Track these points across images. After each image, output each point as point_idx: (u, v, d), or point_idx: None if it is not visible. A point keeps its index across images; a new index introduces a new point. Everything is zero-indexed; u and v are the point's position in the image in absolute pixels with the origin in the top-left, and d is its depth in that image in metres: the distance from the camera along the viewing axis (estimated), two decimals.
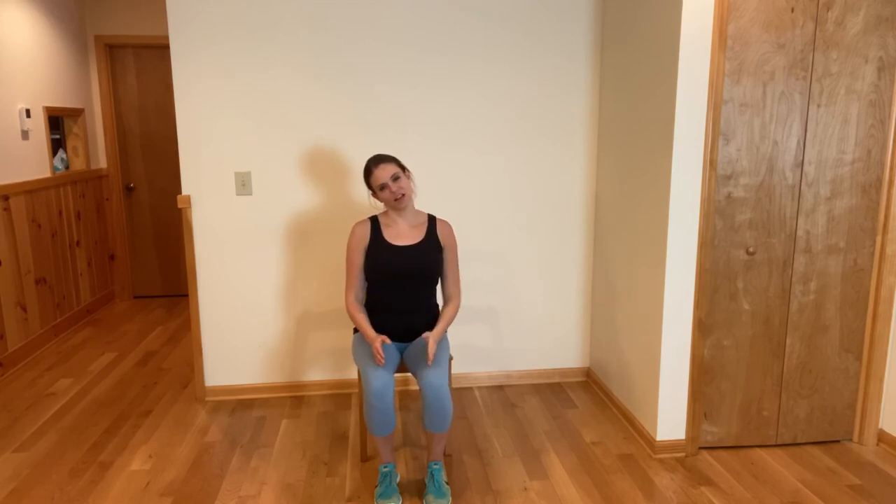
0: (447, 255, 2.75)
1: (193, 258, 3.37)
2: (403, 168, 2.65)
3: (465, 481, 2.71)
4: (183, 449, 2.98)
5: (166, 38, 5.00)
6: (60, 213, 4.57)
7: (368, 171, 2.64)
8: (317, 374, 3.58)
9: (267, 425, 3.22)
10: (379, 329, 2.72)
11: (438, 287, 3.25)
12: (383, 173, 2.59)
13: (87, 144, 4.99)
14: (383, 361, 2.45)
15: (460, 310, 3.57)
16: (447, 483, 2.67)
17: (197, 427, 3.19)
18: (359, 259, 2.70)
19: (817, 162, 2.75)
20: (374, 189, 2.64)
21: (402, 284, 2.66)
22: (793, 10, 2.62)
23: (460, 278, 3.40)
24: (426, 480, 2.60)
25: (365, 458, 2.88)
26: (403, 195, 2.61)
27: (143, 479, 2.72)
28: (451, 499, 2.56)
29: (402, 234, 2.69)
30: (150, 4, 5.02)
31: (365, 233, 2.69)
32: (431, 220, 2.76)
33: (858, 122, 2.74)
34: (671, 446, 2.90)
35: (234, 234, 3.38)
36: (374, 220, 2.72)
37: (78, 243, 4.82)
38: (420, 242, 2.69)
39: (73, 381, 3.74)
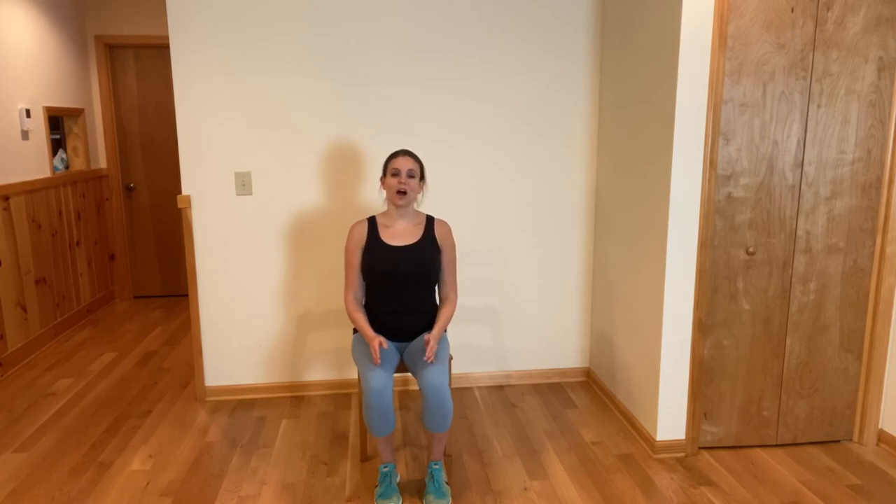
0: (445, 256, 2.75)
1: (193, 258, 3.37)
2: (423, 175, 2.70)
3: (465, 481, 2.71)
4: (183, 449, 2.98)
5: (166, 38, 5.00)
6: (60, 213, 4.57)
7: (393, 156, 2.67)
8: (317, 374, 3.58)
9: (267, 425, 3.22)
10: (378, 329, 2.72)
11: None
12: (403, 163, 2.63)
13: (87, 144, 4.99)
14: (379, 362, 2.46)
15: (460, 310, 3.57)
16: (447, 483, 2.67)
17: (197, 427, 3.19)
18: (356, 259, 2.70)
19: (817, 162, 2.75)
20: (387, 172, 2.66)
21: (400, 284, 2.66)
22: (793, 10, 2.62)
23: (457, 279, 3.40)
24: (426, 480, 2.60)
25: (365, 458, 2.88)
26: (406, 193, 2.62)
27: (143, 479, 2.72)
28: (451, 499, 2.56)
29: (400, 234, 2.70)
30: (150, 4, 5.02)
31: (362, 233, 2.70)
32: (429, 220, 2.76)
33: (858, 122, 2.74)
34: (671, 446, 2.90)
35: (234, 234, 3.38)
36: (372, 221, 2.73)
37: (78, 243, 4.82)
38: (417, 242, 2.69)
39: (73, 381, 3.74)
